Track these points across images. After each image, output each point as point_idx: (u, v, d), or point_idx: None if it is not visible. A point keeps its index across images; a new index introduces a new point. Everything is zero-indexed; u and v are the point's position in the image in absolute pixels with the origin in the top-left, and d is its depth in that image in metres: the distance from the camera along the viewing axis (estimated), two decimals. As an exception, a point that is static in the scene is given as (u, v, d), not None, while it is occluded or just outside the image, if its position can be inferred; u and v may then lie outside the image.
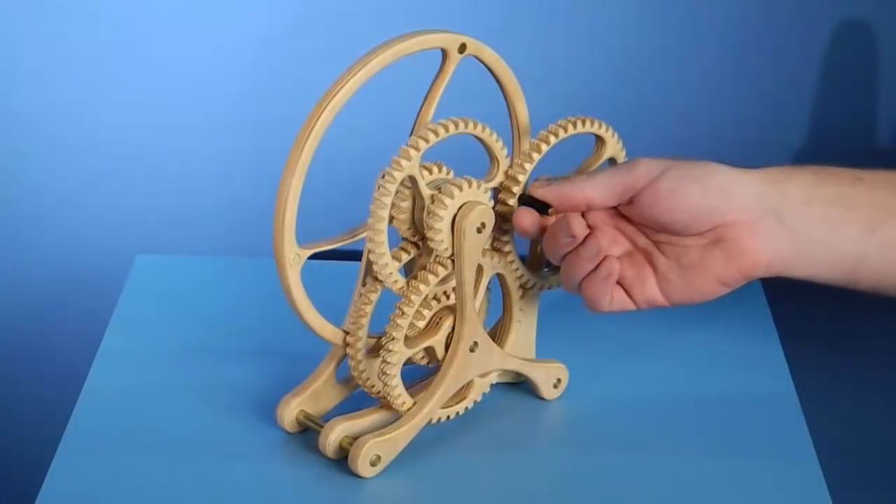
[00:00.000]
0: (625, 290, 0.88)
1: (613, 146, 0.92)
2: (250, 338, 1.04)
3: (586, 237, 0.85)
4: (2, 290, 1.24)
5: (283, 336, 1.01)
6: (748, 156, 1.21)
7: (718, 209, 0.84)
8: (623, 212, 0.87)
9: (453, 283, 0.89)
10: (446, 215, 0.86)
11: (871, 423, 1.28)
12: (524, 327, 0.94)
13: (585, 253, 0.85)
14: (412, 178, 0.85)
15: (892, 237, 0.85)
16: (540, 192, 0.87)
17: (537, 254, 0.94)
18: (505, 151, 0.89)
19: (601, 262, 0.86)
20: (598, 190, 0.86)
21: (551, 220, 0.87)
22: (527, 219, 0.87)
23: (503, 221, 0.89)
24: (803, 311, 1.21)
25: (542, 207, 0.88)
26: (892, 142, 1.20)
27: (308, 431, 0.91)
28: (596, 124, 0.91)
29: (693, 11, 1.16)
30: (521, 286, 0.93)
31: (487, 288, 0.92)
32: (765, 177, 0.85)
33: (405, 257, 0.88)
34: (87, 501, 0.86)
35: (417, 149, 0.84)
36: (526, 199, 0.89)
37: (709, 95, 1.19)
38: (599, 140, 0.92)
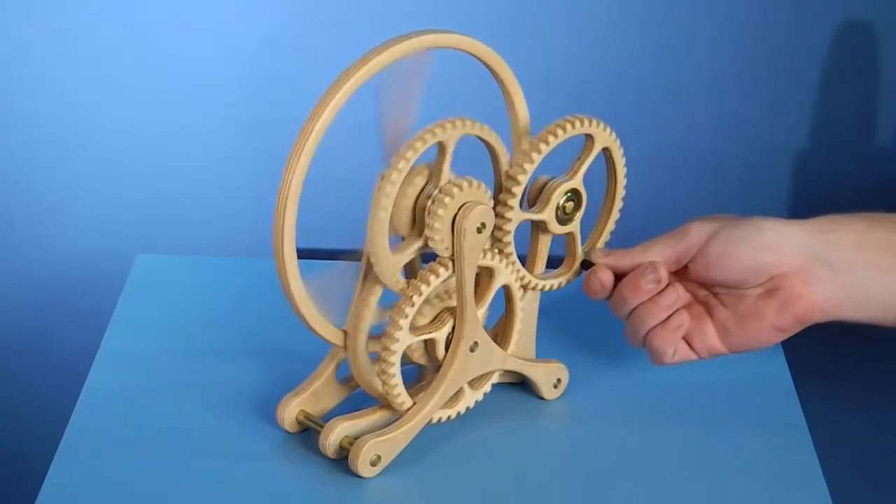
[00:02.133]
0: (685, 340, 0.90)
1: (610, 145, 0.92)
2: (250, 338, 1.04)
3: (665, 287, 0.89)
4: (2, 290, 1.24)
5: (283, 336, 1.01)
6: (748, 155, 1.22)
7: (770, 264, 0.87)
8: (680, 272, 0.91)
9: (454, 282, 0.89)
10: (446, 215, 0.86)
11: (871, 419, 1.28)
12: (525, 327, 0.94)
13: (663, 301, 0.89)
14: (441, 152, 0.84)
15: None
16: (602, 260, 0.91)
17: (538, 252, 0.94)
18: (506, 151, 0.89)
19: (673, 312, 0.89)
20: (651, 260, 0.90)
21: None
22: (606, 275, 0.91)
23: (503, 221, 0.89)
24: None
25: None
26: (893, 142, 1.20)
27: (308, 431, 0.91)
28: (594, 124, 0.91)
29: (693, 11, 1.16)
30: (521, 286, 0.93)
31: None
32: (813, 227, 0.88)
33: (405, 257, 0.88)
34: (87, 501, 0.87)
35: (416, 150, 0.84)
36: (585, 264, 0.93)
37: (709, 95, 1.19)
38: (589, 138, 0.92)
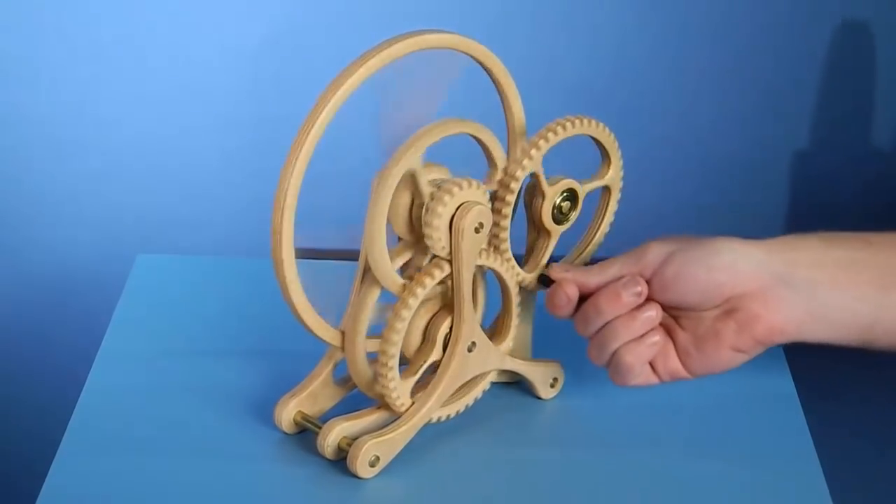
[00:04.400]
0: (649, 364, 0.89)
1: (610, 146, 0.93)
2: (251, 338, 1.04)
3: (645, 302, 0.87)
4: (2, 290, 1.24)
5: (282, 336, 1.01)
6: (747, 155, 1.22)
7: (726, 284, 0.86)
8: None
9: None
10: (444, 215, 0.86)
11: (873, 422, 1.28)
12: (521, 327, 0.95)
13: (643, 315, 0.87)
14: (412, 175, 0.85)
15: None
16: (566, 275, 0.90)
17: (534, 252, 0.94)
18: (503, 152, 0.89)
19: (649, 330, 0.88)
20: (608, 280, 0.88)
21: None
22: (572, 289, 0.89)
23: (500, 219, 0.89)
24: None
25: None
26: (891, 141, 1.20)
27: (306, 432, 0.91)
28: (593, 124, 0.91)
29: (693, 11, 1.16)
30: (518, 286, 0.93)
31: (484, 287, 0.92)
32: (771, 247, 0.86)
33: (402, 258, 0.88)
34: (87, 501, 0.87)
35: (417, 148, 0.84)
36: (544, 279, 0.92)
37: (708, 95, 1.19)
38: (596, 141, 0.92)
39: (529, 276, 0.93)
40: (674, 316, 0.88)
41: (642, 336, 0.88)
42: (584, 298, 0.89)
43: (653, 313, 0.87)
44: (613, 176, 0.94)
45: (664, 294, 0.87)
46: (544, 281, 0.92)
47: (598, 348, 0.89)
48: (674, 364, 0.89)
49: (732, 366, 0.88)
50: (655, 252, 0.87)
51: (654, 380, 0.89)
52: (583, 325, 0.89)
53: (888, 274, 0.86)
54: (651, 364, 0.89)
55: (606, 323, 0.88)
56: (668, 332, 0.89)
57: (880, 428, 1.28)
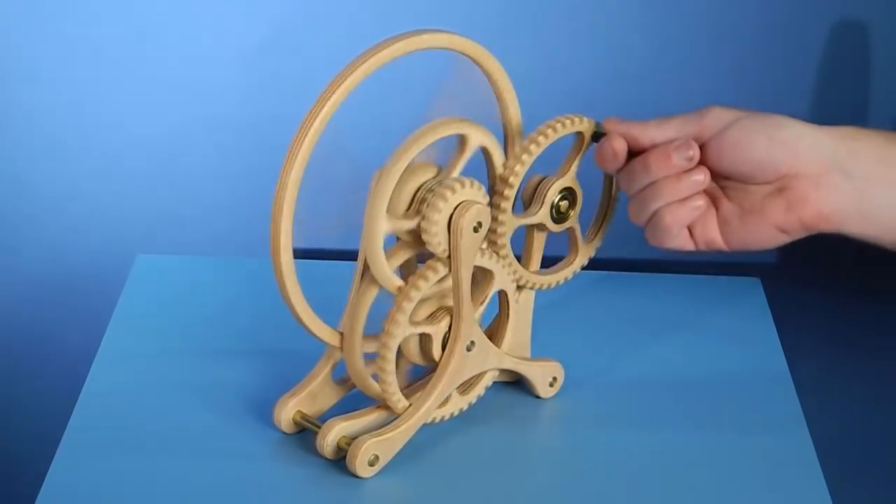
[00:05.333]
0: (687, 227, 0.88)
1: None
2: (250, 338, 1.04)
3: (695, 166, 0.86)
4: (2, 290, 1.24)
5: (283, 336, 1.01)
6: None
7: (784, 162, 0.85)
8: None
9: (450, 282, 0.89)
10: (443, 215, 0.86)
11: (870, 417, 1.28)
12: (520, 326, 0.95)
13: (690, 179, 0.86)
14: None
15: None
16: (613, 128, 0.88)
17: (532, 251, 0.94)
18: (501, 152, 0.89)
19: (693, 194, 0.86)
20: (665, 136, 0.87)
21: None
22: (620, 143, 0.87)
23: (498, 224, 0.89)
24: (801, 305, 1.21)
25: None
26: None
27: (305, 432, 0.91)
28: (585, 122, 0.91)
29: (692, 11, 1.16)
30: (516, 285, 0.93)
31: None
32: (836, 134, 0.86)
33: (401, 257, 0.88)
34: (87, 501, 0.87)
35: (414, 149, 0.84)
36: (597, 136, 0.90)
37: (708, 95, 1.18)
38: (579, 135, 0.92)
39: (528, 275, 0.93)
40: (721, 186, 0.88)
41: (686, 199, 0.87)
42: (633, 155, 0.88)
43: (700, 177, 0.86)
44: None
45: (719, 160, 0.86)
46: (596, 135, 0.91)
47: (639, 206, 0.88)
48: (713, 232, 0.88)
49: (771, 244, 0.87)
50: (718, 116, 0.87)
51: (689, 245, 0.89)
52: (628, 181, 0.88)
53: None
54: (690, 229, 0.88)
55: (652, 182, 0.87)
56: (713, 200, 0.88)
57: (876, 416, 1.28)
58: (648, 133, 0.88)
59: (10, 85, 1.17)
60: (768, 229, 0.87)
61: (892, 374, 1.26)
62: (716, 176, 0.87)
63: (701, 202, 0.87)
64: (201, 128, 1.19)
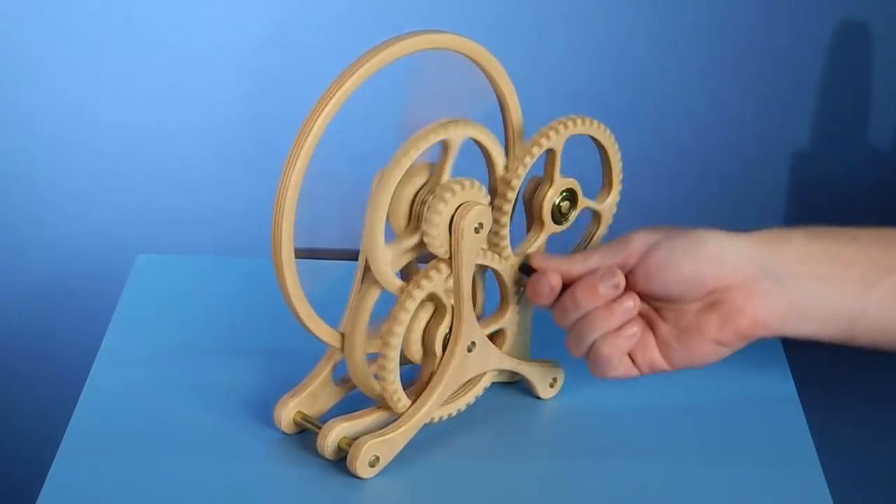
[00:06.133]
0: (628, 355, 0.88)
1: (610, 146, 0.93)
2: (251, 338, 1.04)
3: (621, 294, 0.86)
4: (2, 290, 1.24)
5: (283, 336, 1.01)
6: (747, 156, 1.21)
7: (711, 276, 0.85)
8: None
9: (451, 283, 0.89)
10: (444, 216, 0.86)
11: (873, 424, 1.28)
12: (520, 327, 0.95)
13: (620, 307, 0.86)
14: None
15: (889, 294, 0.85)
16: (548, 264, 0.89)
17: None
18: (502, 153, 0.89)
19: (626, 322, 0.87)
20: (591, 268, 0.87)
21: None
22: (556, 279, 0.88)
23: (498, 226, 0.89)
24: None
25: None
26: (891, 141, 1.20)
27: (306, 432, 0.91)
28: (587, 123, 0.91)
29: (692, 11, 1.16)
30: (517, 286, 0.93)
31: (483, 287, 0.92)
32: (757, 239, 0.86)
33: (402, 258, 0.88)
34: (87, 501, 0.87)
35: (415, 149, 0.84)
36: (525, 268, 0.91)
37: (708, 95, 1.19)
38: (595, 141, 0.92)
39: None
40: (655, 308, 0.88)
41: (620, 328, 0.87)
42: (565, 286, 0.88)
43: (630, 304, 0.86)
44: (610, 203, 0.94)
45: (647, 284, 0.86)
46: (525, 269, 0.91)
47: (576, 340, 0.88)
48: (654, 356, 0.88)
49: (714, 359, 0.87)
50: (639, 241, 0.87)
51: (633, 372, 0.88)
52: (561, 317, 0.88)
53: (873, 270, 0.85)
54: (631, 356, 0.88)
55: (584, 314, 0.87)
56: (649, 324, 0.88)
57: (881, 427, 1.28)
58: (576, 268, 0.88)
59: (10, 85, 1.17)
60: (708, 345, 0.86)
61: (893, 375, 1.26)
62: (647, 298, 0.87)
63: (635, 329, 0.87)
64: (202, 128, 1.19)
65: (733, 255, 0.85)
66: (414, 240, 0.87)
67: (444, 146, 0.86)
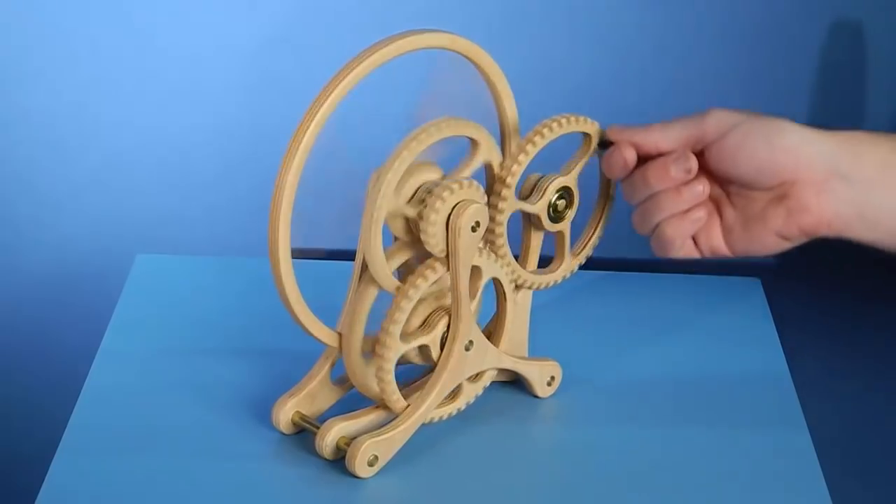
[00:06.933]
0: (691, 238, 0.88)
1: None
2: (250, 338, 1.04)
3: (692, 178, 0.86)
4: (2, 290, 1.25)
5: (283, 336, 1.01)
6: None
7: (786, 167, 0.84)
8: None
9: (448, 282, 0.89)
10: (441, 215, 0.86)
11: (869, 418, 1.28)
12: (517, 325, 0.95)
13: (689, 192, 0.86)
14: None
15: None
16: (616, 135, 0.88)
17: (530, 250, 0.94)
18: (498, 151, 0.89)
19: (693, 205, 0.86)
20: (668, 141, 0.87)
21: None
22: (630, 153, 0.87)
23: (495, 223, 0.89)
24: (801, 305, 1.21)
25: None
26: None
27: (304, 432, 0.91)
28: (581, 121, 0.91)
29: (692, 11, 1.16)
30: (514, 285, 0.93)
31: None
32: (839, 139, 0.85)
33: (400, 258, 0.88)
34: (87, 501, 0.87)
35: (412, 149, 0.84)
36: (603, 143, 0.90)
37: (708, 95, 1.19)
38: (587, 137, 0.92)
39: (525, 275, 0.93)
40: (725, 191, 0.87)
41: (687, 211, 0.87)
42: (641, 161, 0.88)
43: (700, 188, 0.86)
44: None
45: (720, 164, 0.86)
46: (603, 143, 0.91)
47: (641, 218, 0.88)
48: (717, 240, 0.88)
49: (775, 251, 0.87)
50: (719, 119, 0.86)
51: (694, 254, 0.89)
52: (630, 193, 0.88)
53: None
54: (694, 238, 0.88)
55: (653, 195, 0.87)
56: (717, 207, 0.88)
57: (876, 416, 1.28)
58: (652, 138, 0.88)
59: (10, 85, 1.18)
60: (770, 236, 0.86)
61: (892, 374, 1.26)
62: (717, 179, 0.87)
63: (702, 214, 0.87)
64: (200, 128, 1.19)
65: (811, 150, 0.84)
66: (411, 239, 0.88)
67: (473, 143, 0.87)
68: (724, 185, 0.88)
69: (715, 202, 0.88)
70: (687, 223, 0.87)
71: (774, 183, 0.85)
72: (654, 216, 0.87)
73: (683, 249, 0.88)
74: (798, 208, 0.85)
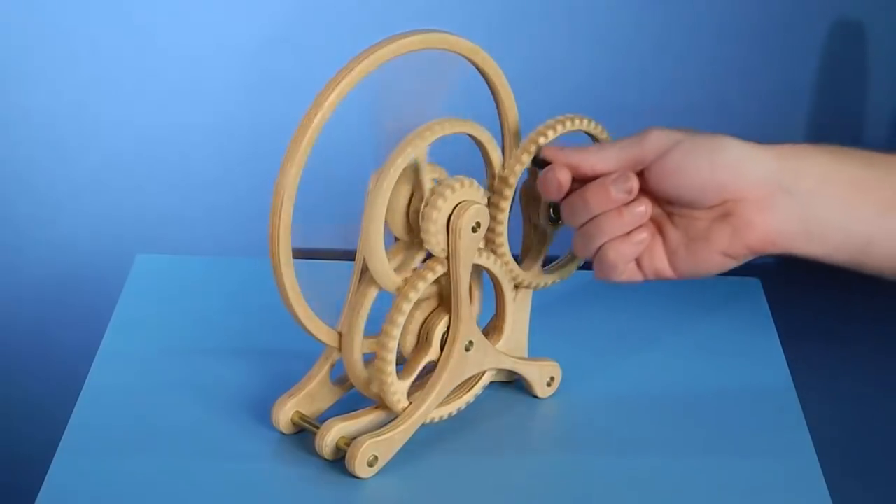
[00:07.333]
0: (634, 261, 0.86)
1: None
2: (249, 338, 1.04)
3: (634, 199, 0.84)
4: (2, 290, 1.25)
5: (282, 336, 1.01)
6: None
7: (728, 185, 0.82)
8: None
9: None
10: (441, 215, 0.86)
11: (870, 418, 1.28)
12: (517, 326, 0.95)
13: (631, 213, 0.84)
14: (414, 173, 0.85)
15: None
16: (551, 156, 0.86)
17: (530, 251, 0.94)
18: (499, 151, 0.89)
19: (635, 227, 0.84)
20: (605, 162, 0.85)
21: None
22: (565, 175, 0.85)
23: (496, 224, 0.89)
24: (801, 305, 1.21)
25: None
26: (889, 142, 1.20)
27: (304, 432, 0.91)
28: (585, 122, 0.91)
29: (692, 11, 1.16)
30: (514, 285, 0.93)
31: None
32: (779, 153, 0.83)
33: (399, 258, 0.88)
34: (87, 501, 0.87)
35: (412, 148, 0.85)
36: (538, 161, 0.88)
37: (708, 95, 1.19)
38: (592, 138, 0.92)
39: (525, 275, 0.93)
40: (666, 212, 0.86)
41: (629, 233, 0.84)
42: (576, 180, 0.86)
43: (642, 209, 0.84)
44: None
45: (661, 184, 0.84)
46: (538, 162, 0.88)
47: (583, 241, 0.86)
48: (661, 262, 0.86)
49: (719, 270, 0.85)
50: (658, 139, 0.84)
51: (638, 277, 0.86)
52: (569, 215, 0.86)
53: (891, 196, 0.83)
54: (637, 261, 0.86)
55: (593, 217, 0.85)
56: (659, 229, 0.86)
57: (876, 416, 1.29)
58: (589, 160, 0.85)
59: (10, 85, 1.18)
60: (716, 256, 0.84)
61: (892, 374, 1.26)
62: (659, 200, 0.85)
63: (644, 235, 0.85)
64: (201, 128, 1.19)
65: (753, 165, 0.82)
66: (411, 239, 0.88)
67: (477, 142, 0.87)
68: (666, 205, 0.85)
69: (657, 224, 0.86)
70: (629, 245, 0.84)
71: (717, 201, 0.83)
72: (596, 239, 0.85)
73: (626, 273, 0.86)
74: (742, 225, 0.83)
